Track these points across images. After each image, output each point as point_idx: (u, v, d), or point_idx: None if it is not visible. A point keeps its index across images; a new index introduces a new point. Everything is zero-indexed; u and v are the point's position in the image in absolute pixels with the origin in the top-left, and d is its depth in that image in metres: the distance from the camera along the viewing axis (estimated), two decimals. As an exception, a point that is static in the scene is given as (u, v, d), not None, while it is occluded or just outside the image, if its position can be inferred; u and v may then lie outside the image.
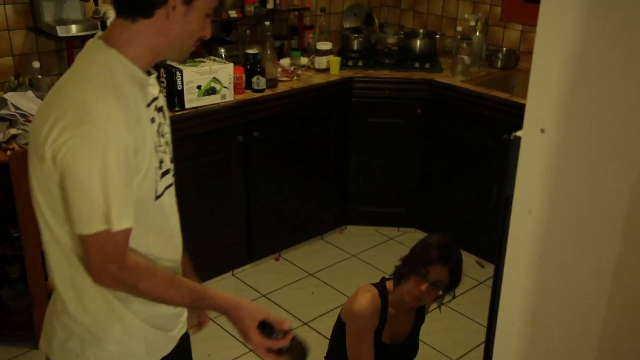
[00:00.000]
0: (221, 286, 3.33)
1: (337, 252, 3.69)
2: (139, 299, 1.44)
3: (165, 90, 2.90)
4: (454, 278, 2.06)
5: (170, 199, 1.50)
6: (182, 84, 2.85)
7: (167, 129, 1.50)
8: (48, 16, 2.83)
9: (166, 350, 1.57)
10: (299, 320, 3.10)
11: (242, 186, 3.26)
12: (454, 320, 3.13)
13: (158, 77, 3.10)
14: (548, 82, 0.83)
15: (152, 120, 1.41)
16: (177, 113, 2.88)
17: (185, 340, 1.67)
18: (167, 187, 1.47)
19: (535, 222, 0.87)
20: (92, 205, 1.27)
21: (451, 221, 3.65)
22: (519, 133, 0.90)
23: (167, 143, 1.48)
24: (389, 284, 2.13)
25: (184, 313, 1.65)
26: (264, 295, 3.28)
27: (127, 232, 1.33)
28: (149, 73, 1.46)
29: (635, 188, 0.79)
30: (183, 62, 2.96)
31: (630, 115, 0.78)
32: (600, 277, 0.84)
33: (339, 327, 2.15)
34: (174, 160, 1.56)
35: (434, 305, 2.24)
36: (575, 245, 0.86)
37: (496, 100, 3.24)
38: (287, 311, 3.15)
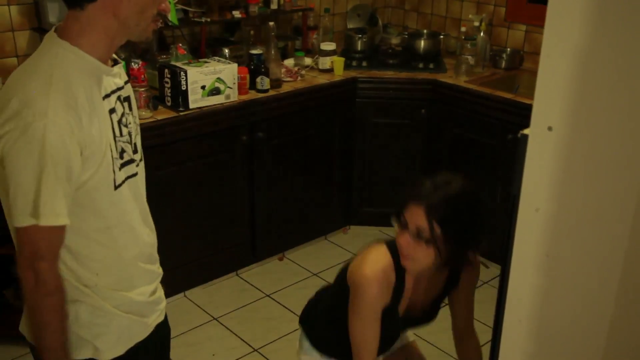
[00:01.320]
0: (225, 286, 3.34)
1: (341, 252, 3.68)
2: (105, 284, 1.45)
3: (170, 90, 2.90)
4: (445, 221, 1.59)
5: (133, 189, 1.49)
6: (187, 84, 2.85)
7: (131, 119, 1.50)
8: (52, 17, 2.83)
9: (139, 337, 1.57)
10: (303, 320, 3.10)
11: (246, 186, 3.26)
12: (458, 320, 3.13)
13: (162, 77, 3.11)
14: (556, 79, 0.83)
15: (112, 110, 1.41)
16: (182, 113, 2.88)
17: (163, 329, 1.66)
18: (128, 177, 1.47)
19: (542, 220, 0.87)
20: (24, 199, 1.29)
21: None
22: (526, 131, 0.90)
23: (130, 134, 1.48)
24: None
25: (162, 302, 1.64)
26: (268, 295, 3.28)
27: (60, 230, 1.33)
28: (115, 62, 1.46)
29: (643, 186, 0.79)
30: (187, 63, 2.97)
31: (639, 113, 0.78)
32: (607, 276, 0.84)
33: (342, 286, 1.81)
34: (142, 151, 1.57)
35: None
36: (582, 243, 0.86)
37: (500, 100, 3.24)
38: (291, 311, 3.15)
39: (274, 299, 3.25)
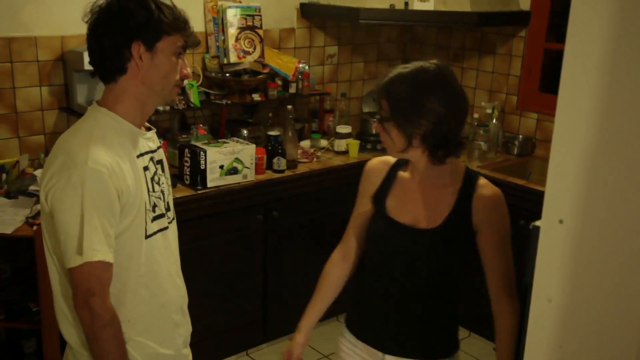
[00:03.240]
0: (235, 367, 3.29)
1: (353, 335, 3.63)
2: (135, 332, 1.55)
3: (189, 169, 2.97)
4: (391, 97, 1.61)
5: (164, 242, 1.63)
6: (205, 164, 2.93)
7: (164, 179, 1.67)
8: (81, 98, 2.95)
9: None
10: (313, 404, 3.03)
11: (259, 265, 3.27)
12: (471, 409, 3.04)
13: (181, 156, 3.17)
14: (566, 174, 0.86)
15: (145, 168, 1.58)
16: (200, 192, 2.94)
17: None
18: (160, 230, 1.61)
19: (555, 311, 0.89)
20: (72, 242, 1.44)
21: (467, 307, 3.60)
22: (538, 223, 0.93)
23: (162, 192, 1.64)
24: None
25: None
26: (278, 378, 3.22)
27: (106, 266, 1.46)
28: (148, 129, 1.66)
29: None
30: (207, 143, 3.05)
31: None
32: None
33: None
34: (175, 212, 1.73)
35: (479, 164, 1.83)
36: (595, 334, 0.87)
37: (513, 186, 3.28)
38: (300, 395, 3.08)
39: (283, 382, 3.19)
